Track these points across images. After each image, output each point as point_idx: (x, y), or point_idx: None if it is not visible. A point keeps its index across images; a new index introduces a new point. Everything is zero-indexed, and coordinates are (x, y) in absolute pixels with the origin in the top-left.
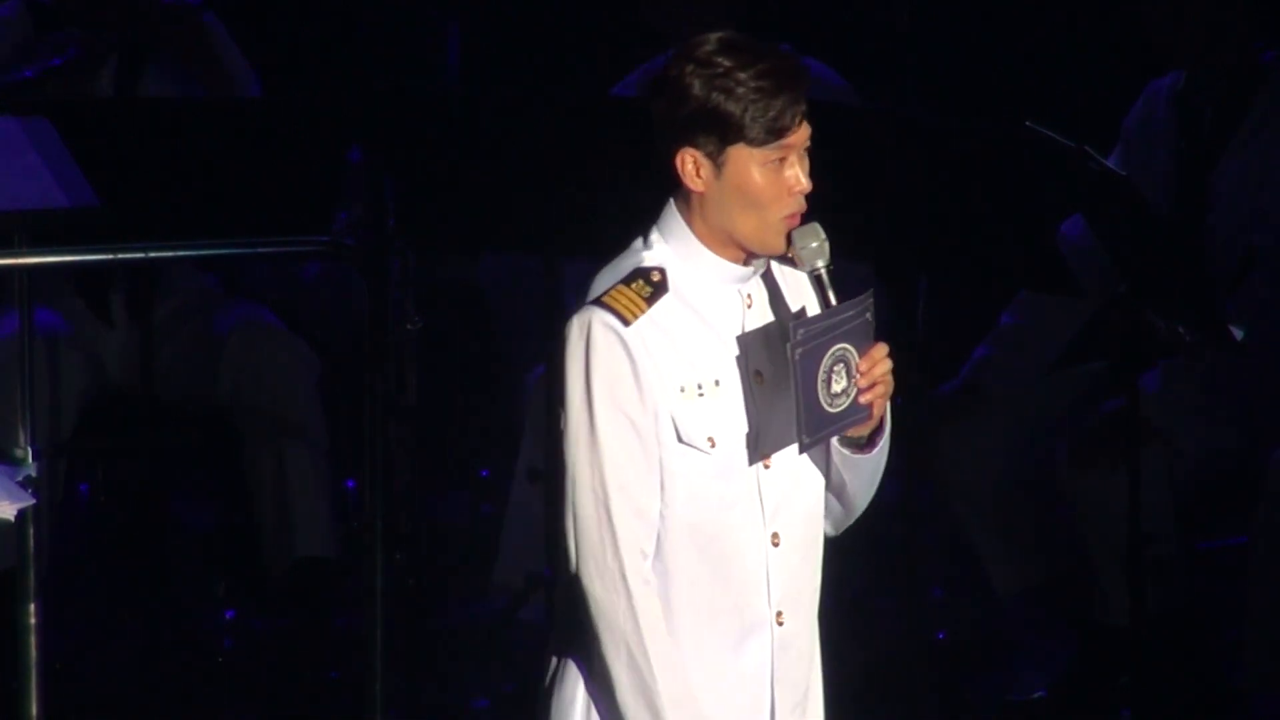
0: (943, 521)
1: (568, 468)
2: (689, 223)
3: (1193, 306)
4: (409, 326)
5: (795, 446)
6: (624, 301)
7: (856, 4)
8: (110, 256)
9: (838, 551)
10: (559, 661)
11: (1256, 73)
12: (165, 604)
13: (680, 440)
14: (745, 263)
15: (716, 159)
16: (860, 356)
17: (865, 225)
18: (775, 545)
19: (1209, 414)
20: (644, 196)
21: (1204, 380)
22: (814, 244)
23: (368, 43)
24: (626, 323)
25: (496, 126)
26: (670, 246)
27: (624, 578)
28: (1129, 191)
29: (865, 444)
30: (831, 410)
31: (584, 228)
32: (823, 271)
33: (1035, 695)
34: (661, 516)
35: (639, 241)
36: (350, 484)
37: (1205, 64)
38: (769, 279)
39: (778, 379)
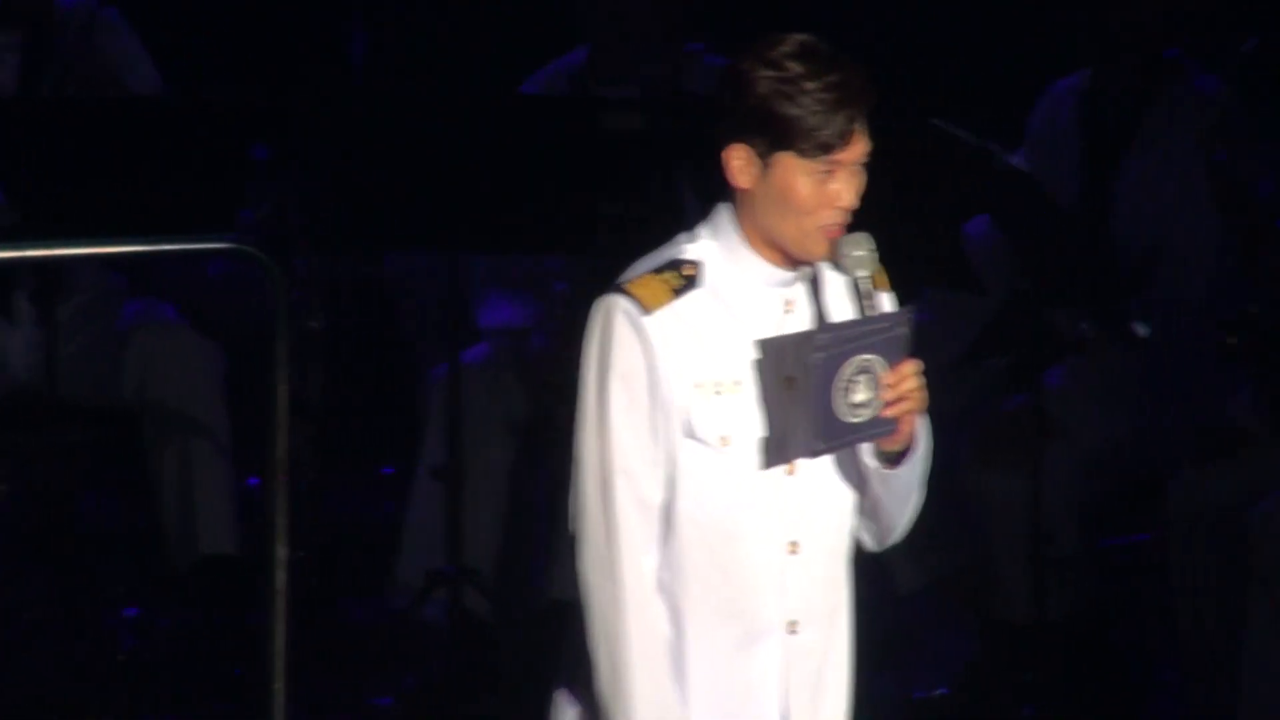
0: None
1: (577, 450)
2: (738, 222)
3: (1097, 303)
4: (313, 324)
5: (815, 457)
6: (649, 290)
7: (767, 2)
8: (14, 254)
9: None
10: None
11: (1161, 70)
12: (69, 602)
13: (690, 435)
14: (790, 267)
15: (765, 160)
16: (890, 370)
17: None
18: (793, 553)
19: (1112, 411)
20: (551, 192)
21: (1107, 377)
22: (859, 253)
23: (272, 41)
24: (647, 311)
25: (400, 124)
26: (716, 243)
27: (617, 566)
28: (1034, 189)
29: (895, 459)
30: (851, 420)
31: (487, 225)
32: (863, 281)
33: (937, 692)
34: (671, 512)
35: (687, 234)
36: (253, 481)
37: (1111, 61)
38: (818, 288)
39: (803, 384)
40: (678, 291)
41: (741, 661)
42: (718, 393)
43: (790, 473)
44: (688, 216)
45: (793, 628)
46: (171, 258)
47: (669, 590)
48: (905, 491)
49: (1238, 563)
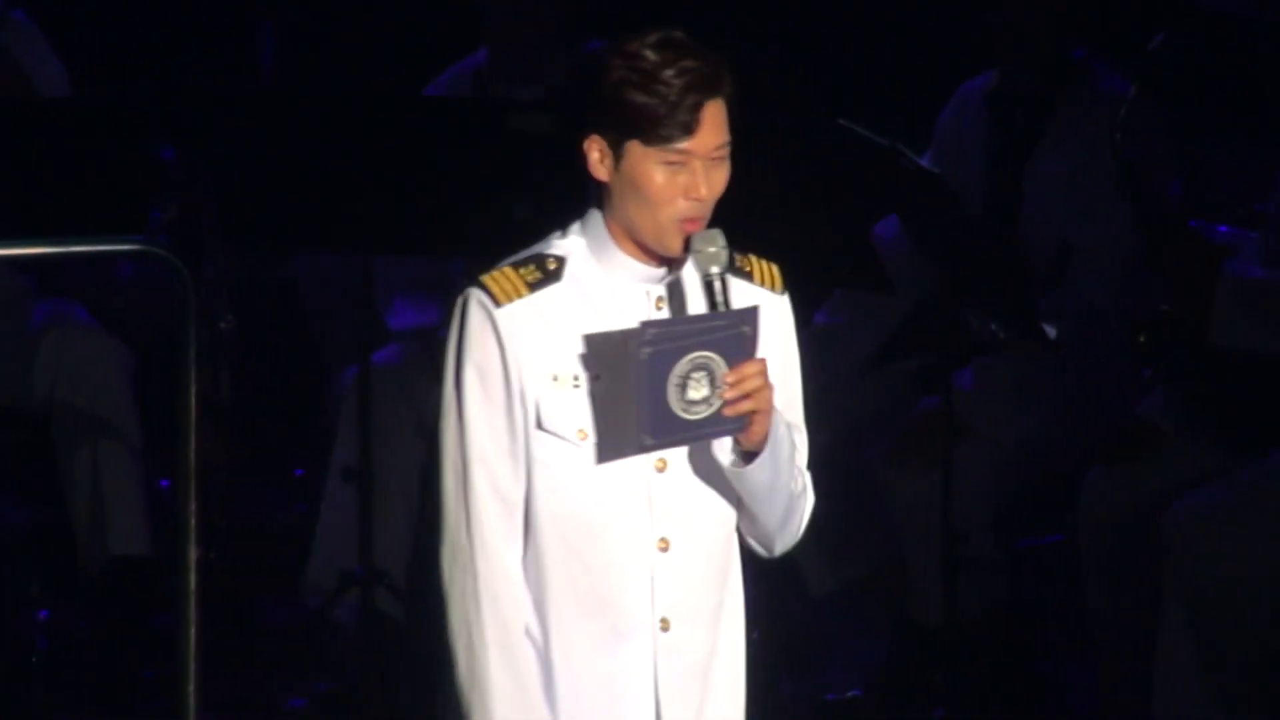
0: None
1: (439, 442)
2: (604, 217)
3: (1007, 304)
4: (223, 325)
5: (644, 453)
6: (503, 283)
7: (672, 4)
8: None
9: None
10: None
11: (1068, 70)
12: None
13: (545, 428)
14: (660, 263)
15: (617, 151)
16: (730, 369)
17: None
18: (664, 550)
19: (1025, 411)
20: (460, 194)
21: (1019, 378)
22: (711, 249)
23: (181, 41)
24: (498, 303)
25: (310, 125)
26: (585, 238)
27: (473, 558)
28: (942, 189)
29: (749, 458)
30: (687, 416)
31: (398, 226)
32: (715, 279)
33: (851, 694)
34: (530, 506)
35: (560, 230)
36: (165, 483)
37: (1018, 62)
38: (688, 285)
39: (633, 379)
40: (534, 285)
41: (609, 658)
42: (576, 386)
43: (661, 469)
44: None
45: (664, 625)
46: (81, 259)
47: (534, 584)
48: (765, 493)
49: (1150, 563)
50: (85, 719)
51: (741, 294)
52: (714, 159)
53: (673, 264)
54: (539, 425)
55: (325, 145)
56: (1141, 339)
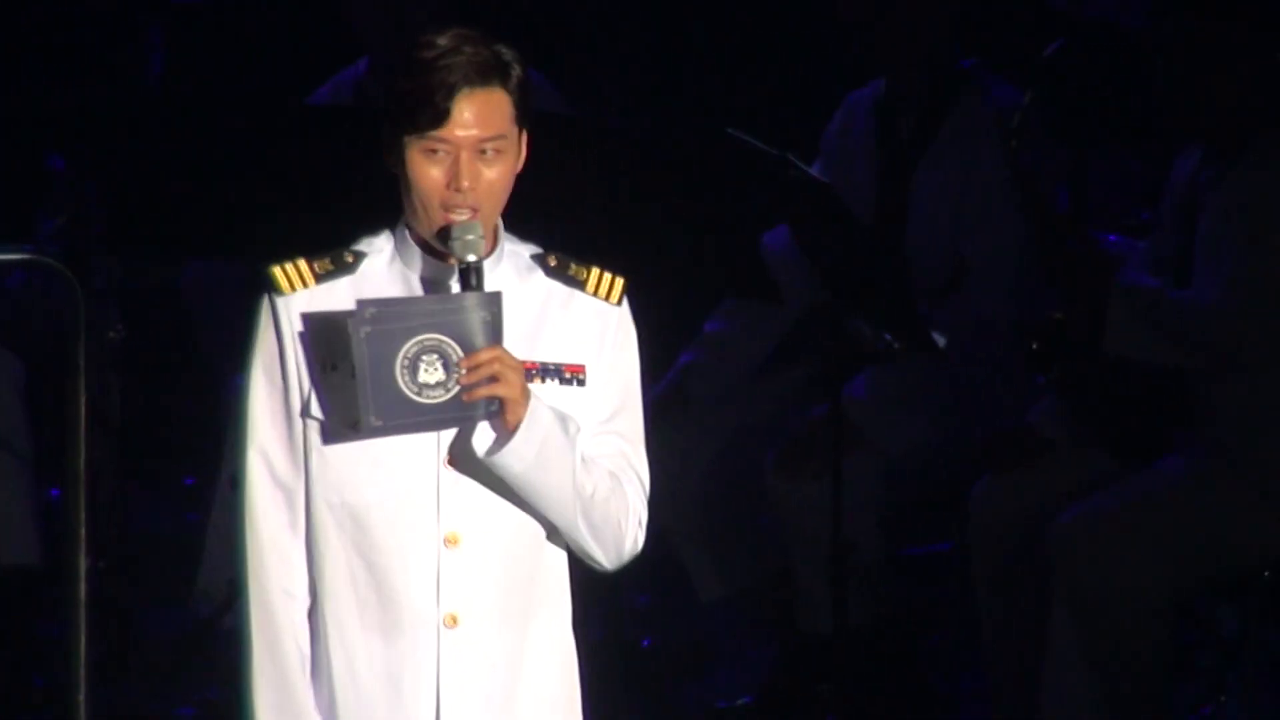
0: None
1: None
2: (403, 214)
3: (895, 313)
4: (112, 334)
5: (372, 435)
6: (290, 272)
7: (560, 9)
8: None
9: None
10: None
11: (955, 80)
12: None
13: (315, 415)
14: (450, 261)
15: (395, 142)
16: (466, 354)
17: (570, 232)
18: (451, 545)
19: (914, 419)
20: (347, 202)
21: (909, 386)
22: (469, 237)
23: (68, 48)
24: (280, 292)
25: (198, 134)
26: (394, 237)
27: (249, 544)
28: (830, 199)
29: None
30: (421, 400)
31: (285, 234)
32: (469, 268)
33: (740, 701)
34: (309, 493)
35: (370, 232)
36: (55, 492)
37: (904, 72)
38: (503, 282)
39: (355, 359)
40: (322, 277)
41: (388, 651)
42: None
43: (449, 464)
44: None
45: (451, 621)
46: None
47: (314, 573)
48: (528, 486)
49: (1039, 570)
50: None
51: (578, 304)
52: (483, 151)
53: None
54: (314, 414)
55: (215, 152)
56: (1034, 347)
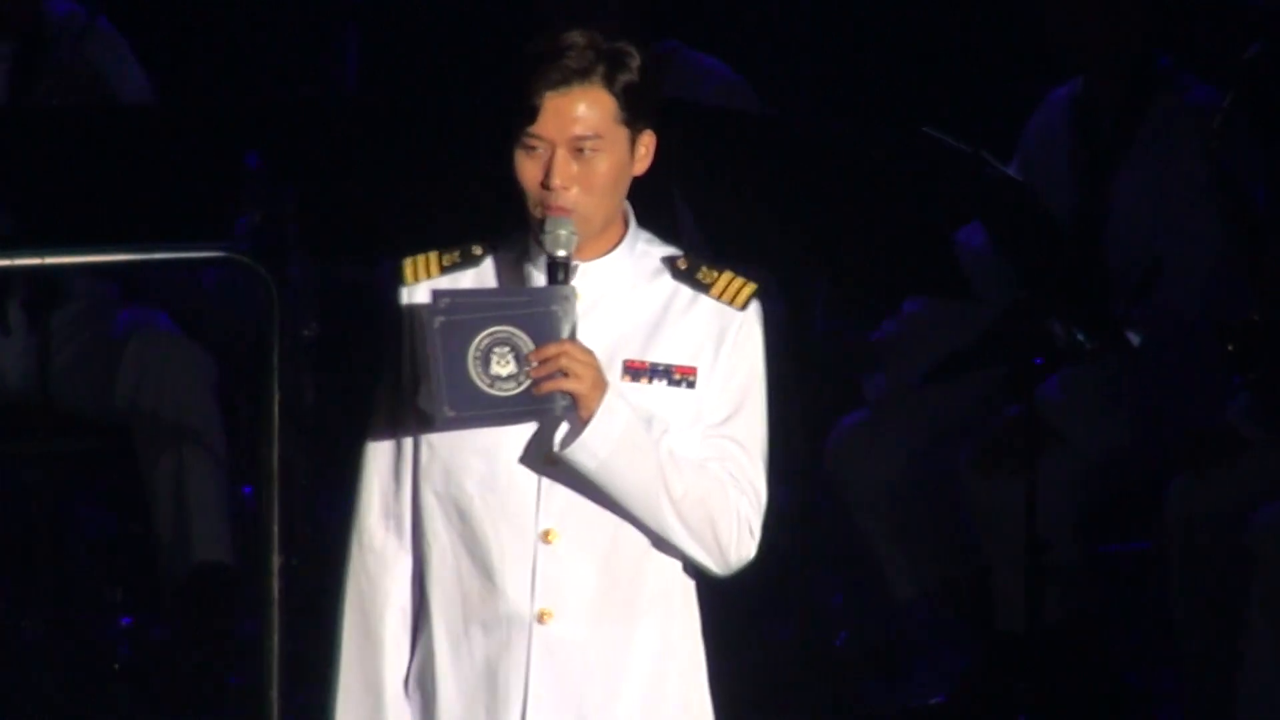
0: (841, 526)
1: None
2: None
3: (1091, 312)
4: (306, 333)
5: (447, 426)
6: (419, 264)
7: (754, 9)
8: (7, 263)
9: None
10: None
11: (1154, 79)
12: (63, 610)
13: (421, 405)
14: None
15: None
16: (537, 348)
17: (763, 232)
18: (547, 542)
19: (1110, 418)
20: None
21: (1105, 385)
22: (561, 232)
23: (267, 47)
24: (404, 282)
25: (393, 131)
26: (524, 234)
27: (355, 537)
28: (1027, 197)
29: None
30: (493, 392)
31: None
32: (559, 262)
33: (933, 701)
34: (416, 483)
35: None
36: (247, 490)
37: (1102, 70)
38: (619, 281)
39: (428, 348)
40: (447, 268)
41: (484, 643)
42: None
43: (551, 461)
44: (679, 219)
45: (543, 617)
46: (165, 266)
47: (423, 561)
48: (606, 482)
49: (1236, 570)
50: None
51: (700, 307)
52: (578, 150)
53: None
54: (420, 403)
55: (408, 150)
56: (1231, 348)
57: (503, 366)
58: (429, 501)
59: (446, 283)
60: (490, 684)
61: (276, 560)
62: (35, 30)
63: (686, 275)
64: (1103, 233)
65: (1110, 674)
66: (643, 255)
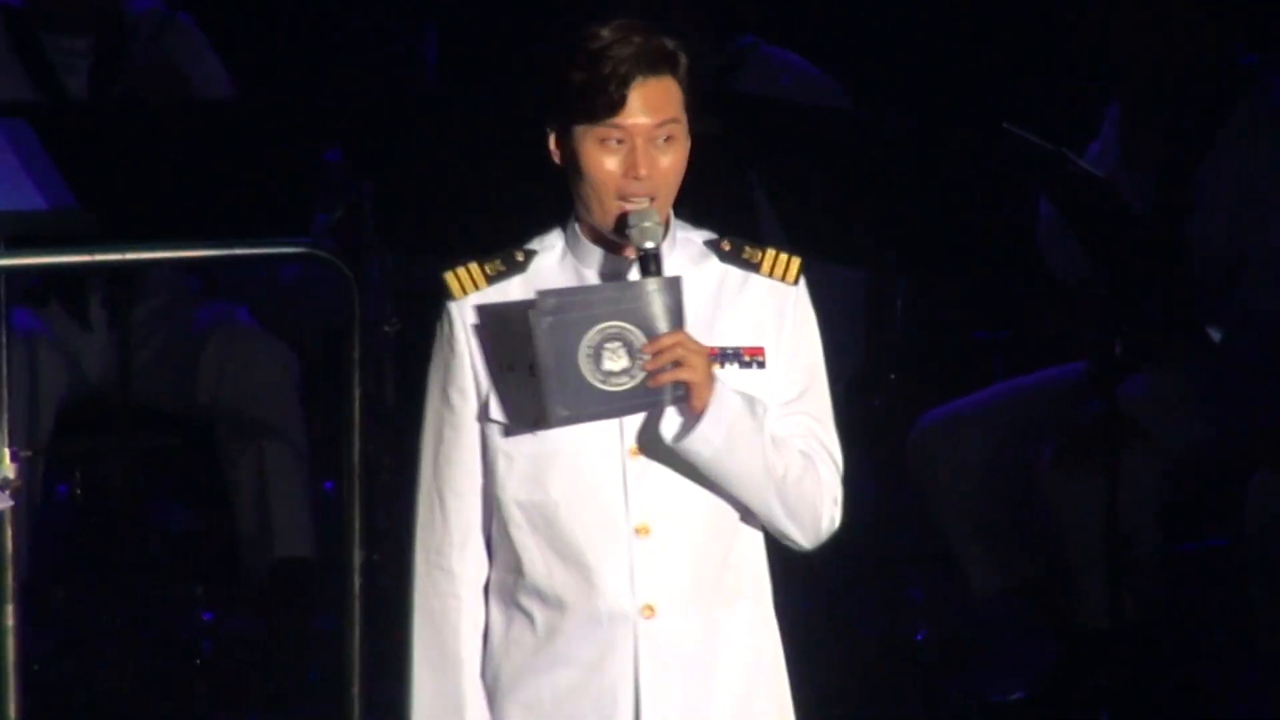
0: (922, 522)
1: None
2: (574, 208)
3: (1173, 308)
4: (386, 329)
5: (561, 424)
6: (462, 276)
7: (836, 5)
8: (87, 258)
9: (819, 551)
10: None
11: (1237, 76)
12: (144, 606)
13: (499, 418)
14: (624, 253)
15: (564, 136)
16: (649, 340)
17: (845, 225)
18: (643, 536)
19: (1192, 415)
20: None
21: (1186, 382)
22: (646, 224)
23: (346, 44)
24: (453, 297)
25: (473, 128)
26: (563, 234)
27: (425, 558)
28: (1109, 193)
29: (691, 434)
30: (606, 388)
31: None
32: (649, 254)
33: (1014, 697)
34: (496, 496)
35: (542, 230)
36: (329, 485)
37: (1174, 78)
38: (675, 269)
39: (537, 350)
40: (493, 278)
41: (588, 646)
42: (531, 375)
43: (634, 454)
44: (760, 212)
45: (648, 612)
46: (245, 261)
47: (513, 572)
48: (721, 470)
49: None
50: None
51: (753, 286)
52: (657, 139)
53: (638, 252)
54: (498, 416)
55: (487, 148)
56: None
57: (615, 361)
58: (512, 512)
59: (495, 294)
60: (597, 685)
61: (358, 556)
62: (115, 26)
63: (733, 256)
64: (1185, 229)
65: (1190, 671)
66: (685, 242)
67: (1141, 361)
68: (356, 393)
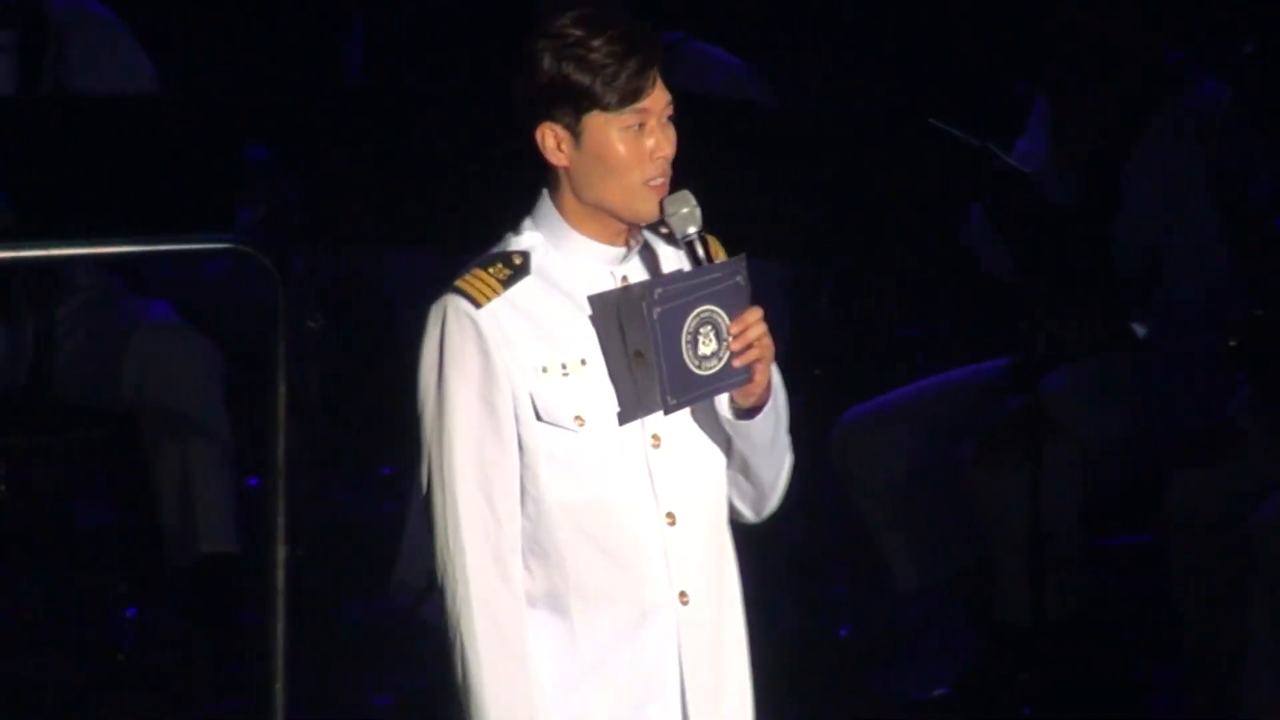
0: (845, 518)
1: (424, 453)
2: (558, 205)
3: (1095, 304)
4: (311, 324)
5: (668, 413)
6: (477, 285)
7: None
8: (11, 255)
9: (739, 547)
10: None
11: (1164, 74)
12: (67, 603)
13: (541, 419)
14: (618, 242)
15: (575, 130)
16: (731, 320)
17: (771, 221)
18: (671, 524)
19: (1114, 411)
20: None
21: (1108, 377)
22: (685, 210)
23: (270, 38)
24: (478, 305)
25: (398, 123)
26: (541, 231)
27: (463, 567)
28: (1032, 189)
29: (753, 411)
30: (701, 373)
31: (485, 223)
32: (694, 238)
33: (937, 692)
34: (537, 499)
35: (513, 229)
36: (253, 481)
37: (1109, 68)
38: (650, 261)
39: (650, 340)
40: (506, 282)
41: (637, 638)
42: (565, 374)
43: (656, 445)
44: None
45: (684, 599)
46: (169, 257)
47: (556, 575)
48: (769, 444)
49: (1238, 563)
50: (172, 717)
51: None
52: (664, 118)
53: (630, 242)
54: (539, 418)
55: (414, 141)
56: (1233, 344)
57: (707, 345)
58: (555, 515)
59: (515, 296)
60: (644, 676)
61: (281, 551)
62: (39, 21)
63: (674, 243)
64: (1109, 226)
65: (1112, 666)
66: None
67: (1064, 357)
68: (281, 388)
